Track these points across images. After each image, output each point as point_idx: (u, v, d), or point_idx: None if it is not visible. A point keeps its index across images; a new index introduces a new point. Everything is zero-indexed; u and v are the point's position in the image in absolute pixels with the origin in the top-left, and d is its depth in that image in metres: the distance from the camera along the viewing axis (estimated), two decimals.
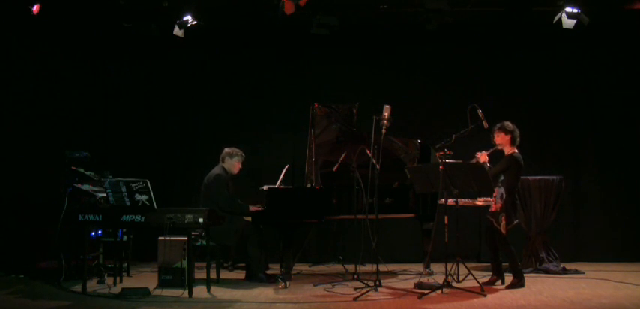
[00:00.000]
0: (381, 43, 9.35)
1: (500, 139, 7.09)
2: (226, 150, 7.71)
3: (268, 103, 9.40)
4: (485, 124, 7.07)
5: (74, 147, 7.93)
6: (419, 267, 8.06)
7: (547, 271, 7.95)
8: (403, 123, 7.71)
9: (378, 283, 6.90)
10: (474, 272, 7.01)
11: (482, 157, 7.04)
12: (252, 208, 7.47)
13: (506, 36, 9.12)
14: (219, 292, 6.90)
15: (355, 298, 6.51)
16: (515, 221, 7.06)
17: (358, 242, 7.36)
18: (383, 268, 7.58)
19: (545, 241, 8.23)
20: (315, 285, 7.29)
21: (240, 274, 7.91)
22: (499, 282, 7.20)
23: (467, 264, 7.14)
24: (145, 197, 6.62)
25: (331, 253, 9.05)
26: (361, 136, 7.63)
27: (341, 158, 7.85)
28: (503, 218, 6.93)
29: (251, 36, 9.23)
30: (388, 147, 7.72)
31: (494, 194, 7.02)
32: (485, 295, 6.59)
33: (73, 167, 7.66)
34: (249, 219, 7.51)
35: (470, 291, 6.70)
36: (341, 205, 7.49)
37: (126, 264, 7.85)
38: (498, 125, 7.11)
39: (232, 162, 7.66)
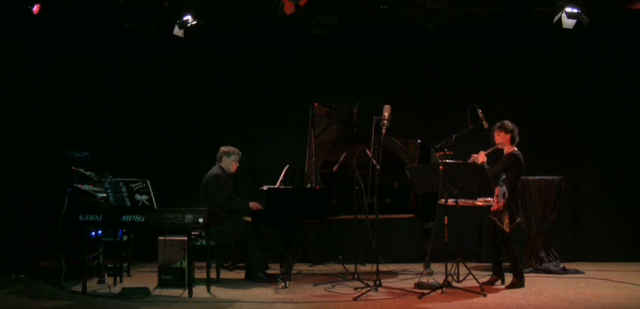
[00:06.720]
0: (381, 43, 9.34)
1: (501, 138, 7.10)
2: (223, 149, 7.67)
3: (268, 103, 9.39)
4: (486, 124, 7.07)
5: (74, 147, 7.93)
6: (419, 267, 8.06)
7: (547, 271, 7.95)
8: (403, 123, 7.70)
9: (378, 283, 6.90)
10: (474, 272, 7.01)
11: (481, 156, 7.05)
12: (252, 205, 7.45)
13: (506, 36, 9.12)
14: (219, 292, 6.90)
15: (355, 298, 6.51)
16: (518, 219, 7.07)
17: (358, 242, 7.36)
18: (383, 268, 7.58)
19: (545, 241, 8.23)
20: (315, 285, 7.29)
21: (240, 274, 7.90)
22: (499, 282, 7.20)
23: (467, 264, 7.14)
24: (144, 197, 6.62)
25: (331, 253, 9.05)
26: (361, 136, 7.63)
27: (341, 158, 7.85)
28: (506, 216, 6.93)
29: (251, 36, 9.22)
30: (388, 147, 7.71)
31: (495, 193, 7.02)
32: (485, 295, 6.59)
33: (73, 167, 7.66)
34: (249, 219, 7.50)
35: (470, 291, 6.70)
36: (341, 205, 7.47)
37: (126, 264, 7.85)
38: (498, 124, 7.12)
39: (229, 161, 7.64)
